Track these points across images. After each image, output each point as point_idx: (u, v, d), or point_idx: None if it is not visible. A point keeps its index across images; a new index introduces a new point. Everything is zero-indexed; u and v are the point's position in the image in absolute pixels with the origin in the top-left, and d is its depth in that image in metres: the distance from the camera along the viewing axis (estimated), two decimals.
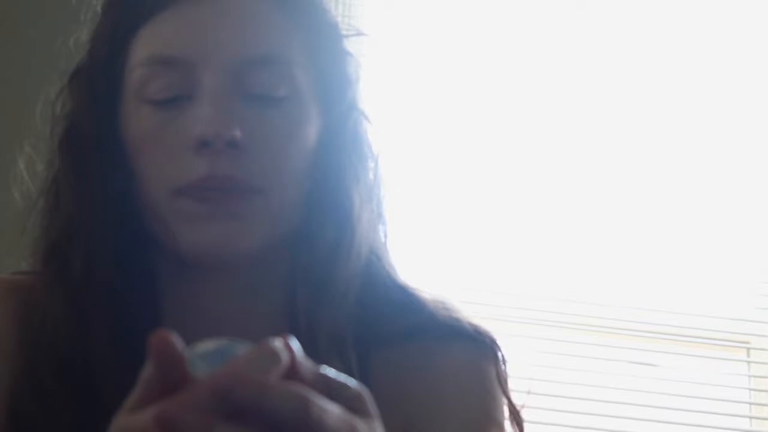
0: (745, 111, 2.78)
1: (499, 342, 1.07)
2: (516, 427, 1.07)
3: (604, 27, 2.76)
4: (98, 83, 1.01)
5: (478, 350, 1.06)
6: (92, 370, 0.98)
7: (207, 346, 0.70)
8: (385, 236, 1.08)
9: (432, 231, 2.63)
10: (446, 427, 1.03)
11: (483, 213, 2.68)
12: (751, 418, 2.74)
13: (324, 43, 1.03)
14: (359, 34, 1.09)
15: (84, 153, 1.01)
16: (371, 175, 1.05)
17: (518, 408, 1.06)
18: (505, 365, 1.06)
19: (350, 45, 1.07)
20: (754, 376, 2.76)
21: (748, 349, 2.77)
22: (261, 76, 0.97)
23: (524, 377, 1.11)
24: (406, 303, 1.06)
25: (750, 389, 2.75)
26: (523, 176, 2.71)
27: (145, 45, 0.99)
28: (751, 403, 2.74)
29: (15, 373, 0.99)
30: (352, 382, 0.70)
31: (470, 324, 1.07)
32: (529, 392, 1.09)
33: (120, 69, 1.00)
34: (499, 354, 1.06)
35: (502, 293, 2.68)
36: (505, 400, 1.06)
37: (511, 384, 1.07)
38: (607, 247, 2.73)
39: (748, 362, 2.77)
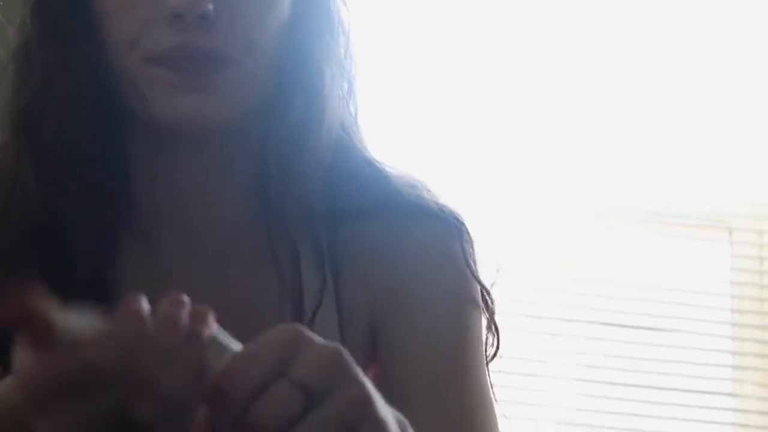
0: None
1: (464, 221, 1.07)
2: (485, 306, 1.07)
3: None
4: None
5: (444, 228, 1.06)
6: (62, 239, 0.99)
7: None
8: (356, 111, 1.08)
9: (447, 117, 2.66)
10: (422, 304, 1.04)
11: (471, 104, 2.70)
12: (732, 297, 2.77)
13: None
14: None
15: (56, 19, 1.00)
16: (342, 50, 1.05)
17: (487, 287, 1.07)
18: (471, 244, 1.07)
19: None
20: (736, 256, 2.79)
21: (730, 229, 2.79)
22: None
23: (492, 258, 1.11)
24: (373, 177, 1.07)
25: (731, 268, 2.78)
26: (518, 65, 2.72)
27: None
28: (732, 283, 2.78)
29: None
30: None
31: (436, 202, 1.07)
32: (498, 271, 1.09)
33: None
34: (465, 233, 1.07)
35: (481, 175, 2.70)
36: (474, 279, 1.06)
37: (480, 264, 1.07)
38: (588, 129, 2.74)
39: (730, 242, 2.79)
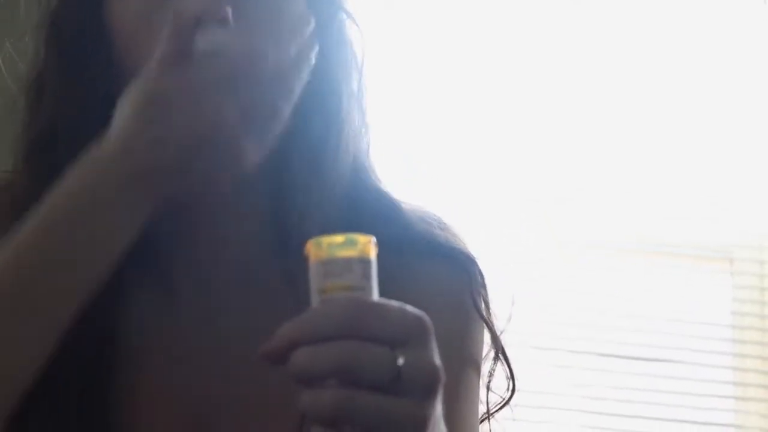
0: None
1: (476, 260, 1.05)
2: (496, 351, 1.05)
3: None
4: None
5: (453, 271, 1.04)
6: None
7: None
8: (369, 145, 1.06)
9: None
10: None
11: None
12: (733, 327, 2.76)
13: None
14: None
15: (70, 47, 0.99)
16: (356, 83, 1.03)
17: (498, 332, 1.04)
18: (483, 285, 1.04)
19: None
20: (737, 287, 2.77)
21: (731, 260, 2.78)
22: None
23: (506, 299, 1.08)
24: (387, 210, 1.04)
25: (733, 299, 2.77)
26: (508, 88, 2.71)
27: None
28: (733, 313, 2.76)
29: None
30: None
31: (448, 241, 1.05)
32: (510, 318, 1.06)
33: None
34: (477, 274, 1.05)
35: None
36: (483, 325, 1.04)
37: (492, 305, 1.04)
38: (588, 159, 2.73)
39: (731, 273, 2.77)
